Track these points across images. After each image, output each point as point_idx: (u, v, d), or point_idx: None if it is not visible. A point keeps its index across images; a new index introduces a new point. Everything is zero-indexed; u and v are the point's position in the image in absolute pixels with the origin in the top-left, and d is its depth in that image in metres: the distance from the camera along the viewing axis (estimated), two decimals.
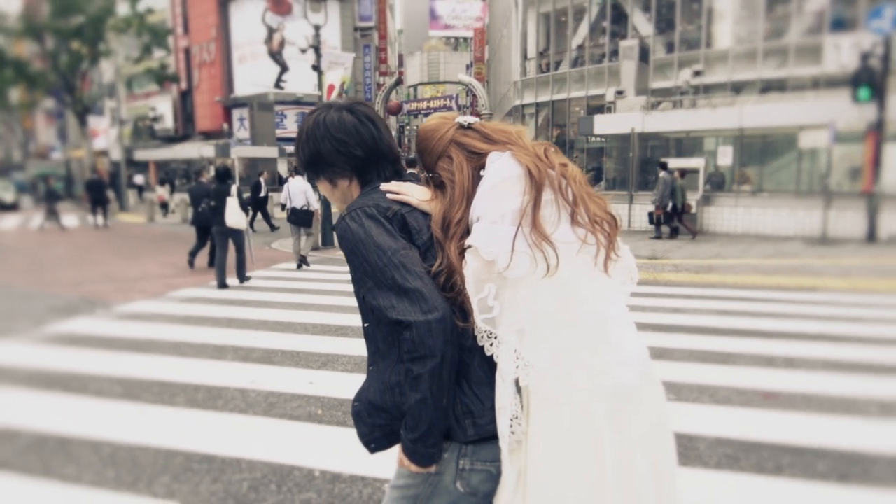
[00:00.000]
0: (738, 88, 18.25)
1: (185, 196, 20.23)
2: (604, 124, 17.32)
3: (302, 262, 9.78)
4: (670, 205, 12.93)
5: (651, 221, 13.59)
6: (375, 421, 1.39)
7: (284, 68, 30.95)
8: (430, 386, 1.23)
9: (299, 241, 9.81)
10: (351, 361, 4.84)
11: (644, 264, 9.67)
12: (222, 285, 7.92)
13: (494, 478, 1.34)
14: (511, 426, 1.28)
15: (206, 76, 35.09)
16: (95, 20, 23.64)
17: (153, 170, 34.54)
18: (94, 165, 25.72)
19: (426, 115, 59.68)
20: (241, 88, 32.96)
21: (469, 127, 1.41)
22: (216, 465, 3.17)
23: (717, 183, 15.49)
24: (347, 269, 1.34)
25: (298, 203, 9.72)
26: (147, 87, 36.34)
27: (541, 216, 1.25)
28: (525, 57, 26.90)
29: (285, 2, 30.41)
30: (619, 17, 22.57)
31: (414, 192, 1.39)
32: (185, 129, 36.35)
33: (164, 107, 36.56)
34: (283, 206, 10.19)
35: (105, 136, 23.33)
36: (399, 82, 37.68)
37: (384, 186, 1.40)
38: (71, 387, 4.35)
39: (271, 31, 30.97)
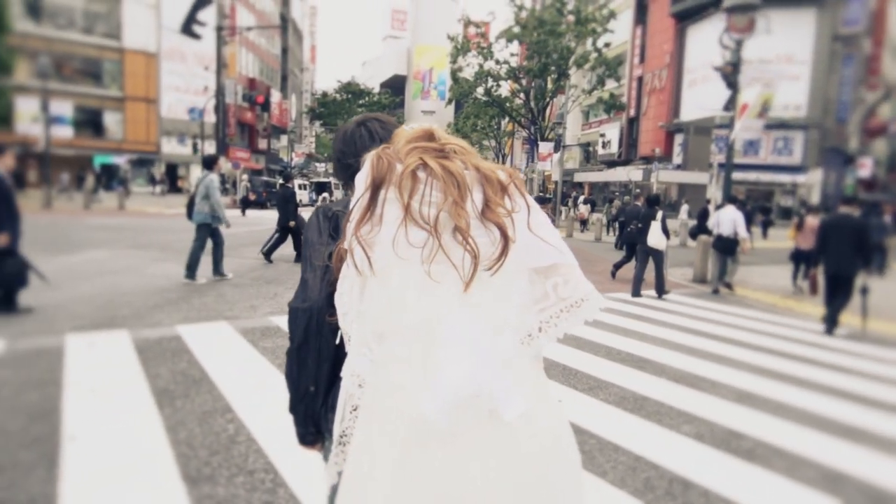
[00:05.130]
0: None
1: (602, 216, 21.43)
2: None
3: (726, 287, 9.94)
4: None
5: None
6: None
7: (737, 90, 28.99)
8: (290, 367, 1.35)
9: (723, 268, 9.96)
10: (734, 393, 4.64)
11: None
12: (636, 294, 8.85)
13: None
14: (341, 434, 1.19)
15: (655, 102, 36.00)
16: (559, 59, 27.23)
17: (587, 191, 37.65)
18: (544, 184, 29.67)
19: None
20: (687, 113, 32.52)
21: None
22: None
23: None
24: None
25: (726, 231, 9.86)
26: (602, 115, 39.70)
27: (373, 214, 1.12)
28: None
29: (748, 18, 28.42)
30: None
31: None
32: (629, 153, 38.15)
33: (612, 133, 39.29)
34: (710, 232, 10.72)
35: (550, 159, 26.62)
36: (887, 97, 30.34)
37: None
38: None
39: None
